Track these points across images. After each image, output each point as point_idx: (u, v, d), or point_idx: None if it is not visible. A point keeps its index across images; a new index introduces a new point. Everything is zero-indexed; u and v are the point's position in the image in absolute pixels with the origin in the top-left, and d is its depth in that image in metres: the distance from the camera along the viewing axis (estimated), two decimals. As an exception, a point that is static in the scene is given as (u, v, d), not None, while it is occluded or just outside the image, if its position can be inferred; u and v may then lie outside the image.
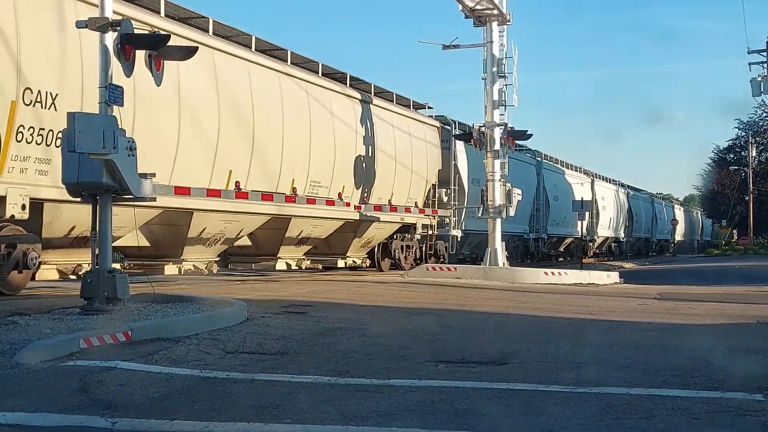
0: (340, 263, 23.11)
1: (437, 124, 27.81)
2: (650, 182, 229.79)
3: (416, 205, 25.73)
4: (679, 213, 75.51)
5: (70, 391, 6.14)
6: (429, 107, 27.65)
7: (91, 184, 9.98)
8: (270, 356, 7.93)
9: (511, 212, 24.38)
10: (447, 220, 27.70)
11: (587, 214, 39.77)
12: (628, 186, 56.77)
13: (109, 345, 8.00)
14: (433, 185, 27.02)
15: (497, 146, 23.39)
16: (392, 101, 24.89)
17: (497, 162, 23.52)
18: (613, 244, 52.36)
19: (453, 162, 28.26)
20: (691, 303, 14.58)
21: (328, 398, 6.07)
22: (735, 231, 70.19)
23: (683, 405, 5.90)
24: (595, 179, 45.94)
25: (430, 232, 26.56)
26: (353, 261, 23.84)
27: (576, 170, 45.55)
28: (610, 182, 50.96)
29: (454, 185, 28.01)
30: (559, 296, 16.56)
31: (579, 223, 36.91)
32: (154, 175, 11.03)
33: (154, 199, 11.45)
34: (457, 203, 27.88)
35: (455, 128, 28.48)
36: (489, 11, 22.86)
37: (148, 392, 6.23)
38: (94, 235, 10.28)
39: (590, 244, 45.31)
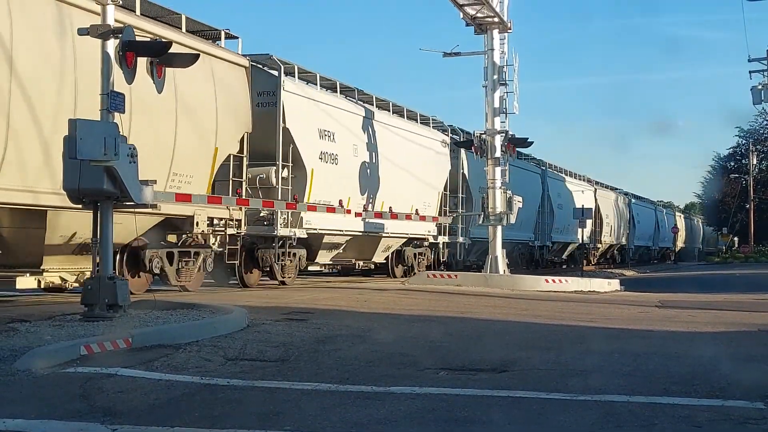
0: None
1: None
2: (652, 190, 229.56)
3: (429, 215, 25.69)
4: (680, 221, 75.46)
5: (70, 398, 6.14)
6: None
7: (92, 190, 9.97)
8: (271, 363, 7.92)
9: (512, 219, 24.37)
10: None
11: (535, 213, 37.13)
12: (596, 182, 49.57)
13: (109, 352, 7.99)
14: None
15: (498, 154, 23.41)
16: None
17: (498, 169, 23.54)
18: (576, 251, 44.53)
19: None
20: (691, 311, 14.56)
21: (329, 405, 6.07)
22: (736, 239, 70.16)
23: (684, 413, 5.90)
24: (547, 170, 39.94)
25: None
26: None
27: (525, 160, 38.93)
28: (566, 174, 44.06)
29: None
30: (560, 304, 16.54)
31: (580, 230, 36.63)
32: (155, 182, 11.03)
33: (155, 206, 11.44)
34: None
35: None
36: (490, 19, 22.91)
37: (149, 399, 6.23)
38: (95, 242, 10.28)
39: (540, 250, 39.47)
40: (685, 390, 6.71)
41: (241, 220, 17.19)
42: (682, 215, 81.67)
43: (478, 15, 22.66)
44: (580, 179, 45.93)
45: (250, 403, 6.14)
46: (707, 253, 76.22)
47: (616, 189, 53.72)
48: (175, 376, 7.07)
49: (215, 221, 16.52)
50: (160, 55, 10.69)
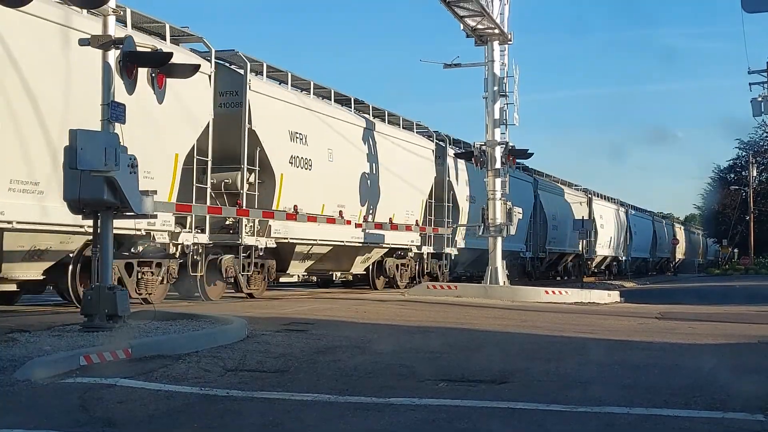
0: None
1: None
2: (652, 201, 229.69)
3: (417, 223, 25.48)
4: (680, 232, 75.34)
5: (69, 408, 6.13)
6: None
7: (93, 200, 9.97)
8: (270, 374, 7.91)
9: (512, 230, 24.37)
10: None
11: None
12: (538, 172, 40.23)
13: (109, 362, 7.98)
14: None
15: (498, 165, 23.45)
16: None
17: (498, 180, 23.58)
18: (520, 255, 35.70)
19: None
20: (691, 322, 14.54)
21: (329, 416, 6.06)
22: (736, 251, 70.14)
23: (684, 425, 5.89)
24: (447, 147, 27.90)
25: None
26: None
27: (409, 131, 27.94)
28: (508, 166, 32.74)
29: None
30: (560, 315, 16.53)
31: (580, 242, 36.40)
32: (155, 192, 11.03)
33: (155, 216, 11.43)
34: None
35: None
36: (490, 31, 22.98)
37: (148, 410, 6.21)
38: (95, 252, 10.28)
39: (437, 260, 28.07)
40: (685, 402, 6.70)
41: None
42: (682, 227, 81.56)
43: (479, 26, 22.74)
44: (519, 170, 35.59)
45: (249, 414, 6.12)
46: (700, 265, 75.68)
47: (573, 185, 45.18)
48: (174, 386, 7.06)
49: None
50: (162, 66, 10.71)
